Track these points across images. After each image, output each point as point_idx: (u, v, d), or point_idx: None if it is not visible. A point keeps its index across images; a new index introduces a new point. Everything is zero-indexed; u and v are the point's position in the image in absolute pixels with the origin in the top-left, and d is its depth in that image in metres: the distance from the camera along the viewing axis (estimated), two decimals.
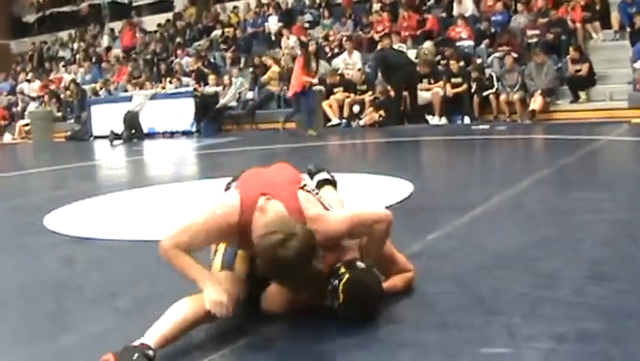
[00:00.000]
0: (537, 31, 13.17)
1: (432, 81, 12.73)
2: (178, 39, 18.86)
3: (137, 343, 2.33)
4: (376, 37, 14.43)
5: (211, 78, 15.61)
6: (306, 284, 2.50)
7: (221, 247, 2.74)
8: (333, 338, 2.47)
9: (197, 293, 2.51)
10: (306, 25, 16.95)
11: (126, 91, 16.68)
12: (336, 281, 2.53)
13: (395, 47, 13.54)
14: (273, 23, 17.34)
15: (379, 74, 13.18)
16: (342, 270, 2.56)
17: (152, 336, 2.38)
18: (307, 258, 2.37)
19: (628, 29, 12.46)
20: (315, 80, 12.49)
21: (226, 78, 15.33)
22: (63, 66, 20.95)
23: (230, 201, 2.59)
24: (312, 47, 12.90)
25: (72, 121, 17.35)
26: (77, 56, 21.09)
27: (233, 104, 15.10)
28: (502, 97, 12.03)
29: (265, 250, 2.36)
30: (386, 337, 2.46)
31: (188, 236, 2.54)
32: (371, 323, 2.56)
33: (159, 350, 2.34)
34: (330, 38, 15.68)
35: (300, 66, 12.03)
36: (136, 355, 2.28)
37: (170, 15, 21.41)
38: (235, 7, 19.49)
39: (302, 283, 2.48)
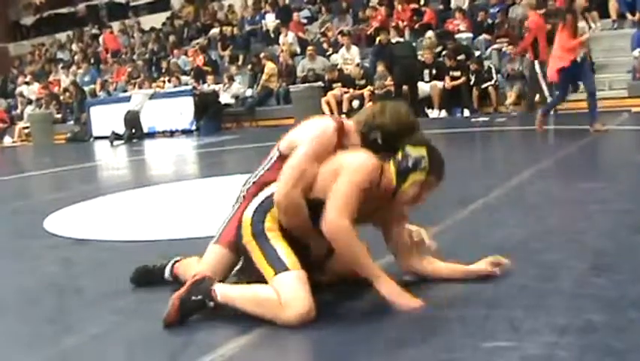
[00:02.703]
0: None
1: (434, 72, 12.65)
2: (175, 38, 18.83)
3: (212, 286, 2.60)
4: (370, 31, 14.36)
5: (210, 77, 15.59)
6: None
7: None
8: (334, 332, 2.47)
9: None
10: (304, 20, 16.93)
11: (125, 91, 16.67)
12: (410, 160, 2.76)
13: (393, 41, 13.50)
14: (270, 20, 17.31)
15: (378, 69, 13.14)
16: (401, 152, 2.77)
17: (223, 290, 2.61)
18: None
19: (630, 17, 12.39)
20: (587, 36, 8.88)
21: (225, 76, 15.33)
22: (62, 68, 20.92)
23: (325, 123, 2.91)
24: (579, 2, 9.75)
25: (72, 122, 17.34)
26: (76, 58, 21.06)
27: (232, 101, 15.10)
28: (507, 89, 11.99)
29: (392, 114, 2.82)
30: (387, 331, 2.45)
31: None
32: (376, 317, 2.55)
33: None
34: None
35: (568, 33, 8.11)
36: (199, 297, 2.57)
37: (168, 14, 21.38)
38: (230, 5, 19.46)
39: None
